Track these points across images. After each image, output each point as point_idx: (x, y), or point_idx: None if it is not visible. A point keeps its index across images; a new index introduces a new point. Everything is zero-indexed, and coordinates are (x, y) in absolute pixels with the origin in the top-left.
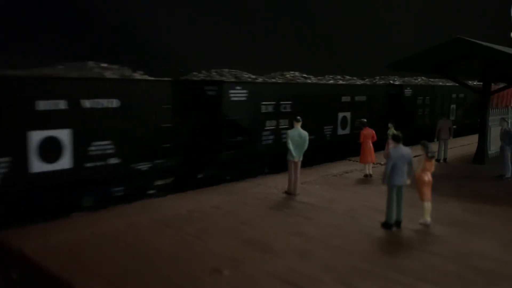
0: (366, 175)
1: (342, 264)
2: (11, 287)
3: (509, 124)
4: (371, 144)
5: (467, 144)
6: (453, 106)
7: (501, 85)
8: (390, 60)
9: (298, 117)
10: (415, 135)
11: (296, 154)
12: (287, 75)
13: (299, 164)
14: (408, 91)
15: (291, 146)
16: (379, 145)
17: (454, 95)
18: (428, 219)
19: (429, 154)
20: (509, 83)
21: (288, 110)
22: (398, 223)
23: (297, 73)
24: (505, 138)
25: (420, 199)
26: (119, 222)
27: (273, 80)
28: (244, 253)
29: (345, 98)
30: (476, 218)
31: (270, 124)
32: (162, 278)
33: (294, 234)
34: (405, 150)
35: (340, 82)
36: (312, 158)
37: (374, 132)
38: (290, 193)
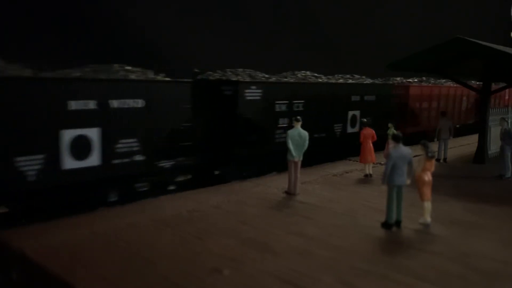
0: (366, 175)
1: (342, 264)
2: (11, 287)
3: (509, 124)
4: (371, 144)
5: (467, 144)
6: (353, 113)
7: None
8: (388, 60)
9: (298, 117)
10: (268, 162)
11: (296, 154)
12: None
13: (299, 164)
14: (253, 92)
15: (291, 146)
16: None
17: (356, 98)
18: (428, 218)
19: (429, 154)
20: (509, 83)
21: None
22: (398, 223)
23: None
24: (505, 138)
25: (420, 199)
26: (119, 222)
27: None
28: (244, 253)
29: (82, 105)
30: (476, 218)
31: None
32: (162, 278)
33: (294, 234)
34: (405, 150)
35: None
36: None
37: (374, 132)
38: (290, 193)
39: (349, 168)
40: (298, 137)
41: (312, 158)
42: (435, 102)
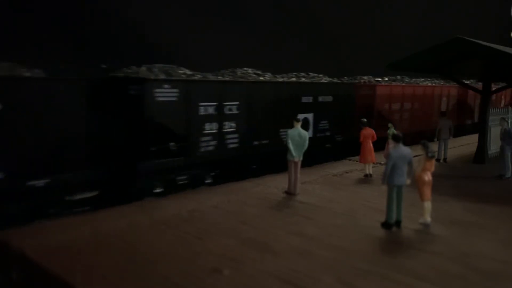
0: (366, 175)
1: (342, 264)
2: (11, 287)
3: (509, 124)
4: (371, 144)
5: (467, 144)
6: (305, 116)
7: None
8: (388, 60)
9: (298, 117)
10: (193, 174)
11: (296, 154)
12: None
13: (299, 164)
14: (167, 92)
15: (291, 146)
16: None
17: (307, 99)
18: (428, 218)
19: (429, 154)
20: (509, 83)
21: None
22: (398, 223)
23: None
24: (505, 138)
25: (420, 199)
26: (119, 222)
27: None
28: (244, 253)
29: None
30: (476, 218)
31: None
32: (162, 278)
33: (294, 234)
34: (405, 150)
35: None
36: None
37: (374, 132)
38: (290, 193)
39: (349, 168)
40: (298, 137)
41: (251, 169)
42: (408, 103)
